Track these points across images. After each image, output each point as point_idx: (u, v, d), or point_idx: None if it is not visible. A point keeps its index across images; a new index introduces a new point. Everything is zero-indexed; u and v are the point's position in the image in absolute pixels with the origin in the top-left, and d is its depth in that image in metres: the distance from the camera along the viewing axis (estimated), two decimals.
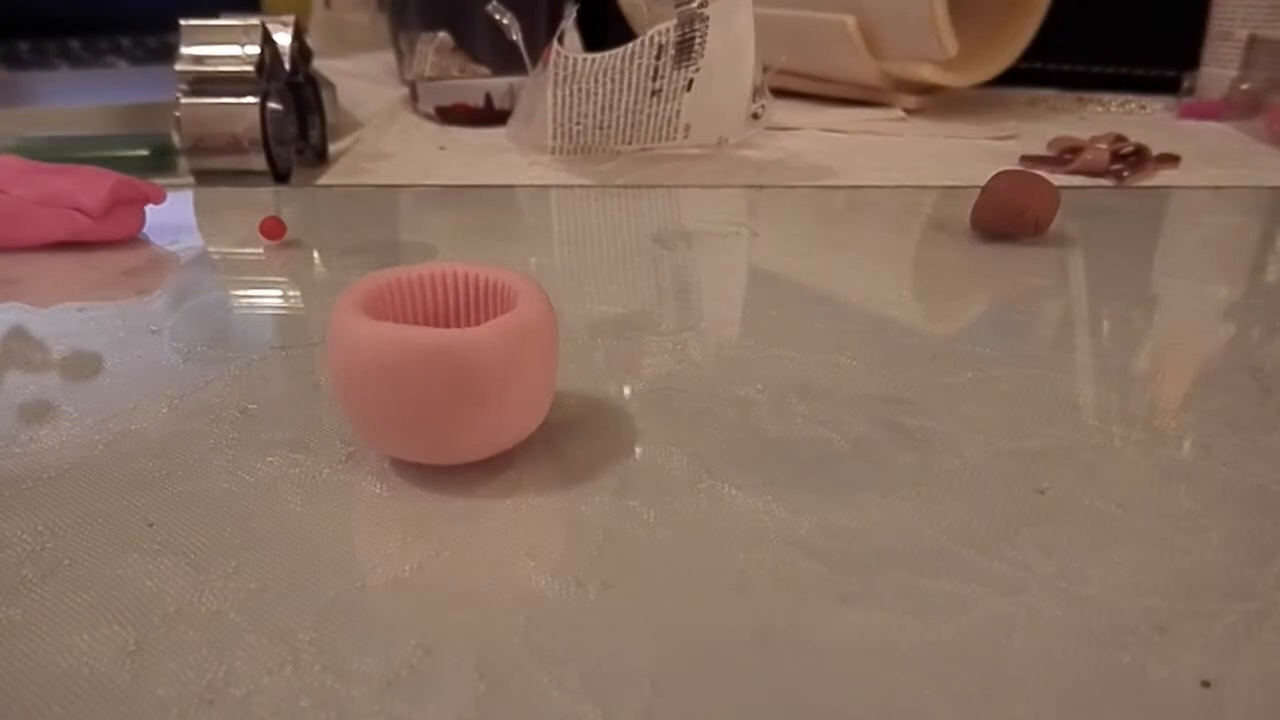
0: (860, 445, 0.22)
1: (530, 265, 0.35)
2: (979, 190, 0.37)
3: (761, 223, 0.41)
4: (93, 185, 0.35)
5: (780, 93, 0.66)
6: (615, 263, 0.36)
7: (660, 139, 0.51)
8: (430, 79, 0.64)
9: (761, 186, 0.47)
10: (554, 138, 0.50)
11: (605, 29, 0.77)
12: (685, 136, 0.51)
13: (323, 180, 0.48)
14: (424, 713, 0.15)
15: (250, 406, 0.24)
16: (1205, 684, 0.15)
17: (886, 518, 0.20)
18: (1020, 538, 0.19)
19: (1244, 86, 0.60)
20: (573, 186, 0.47)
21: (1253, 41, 0.60)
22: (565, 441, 0.22)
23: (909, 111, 0.64)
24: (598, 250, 0.37)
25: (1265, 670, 0.15)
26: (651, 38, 0.46)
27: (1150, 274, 0.34)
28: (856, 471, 0.21)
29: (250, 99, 0.44)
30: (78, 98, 0.60)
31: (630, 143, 0.51)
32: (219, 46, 0.44)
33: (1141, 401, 0.25)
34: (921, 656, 0.16)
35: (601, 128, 0.50)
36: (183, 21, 0.45)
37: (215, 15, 0.46)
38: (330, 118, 0.56)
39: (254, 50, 0.44)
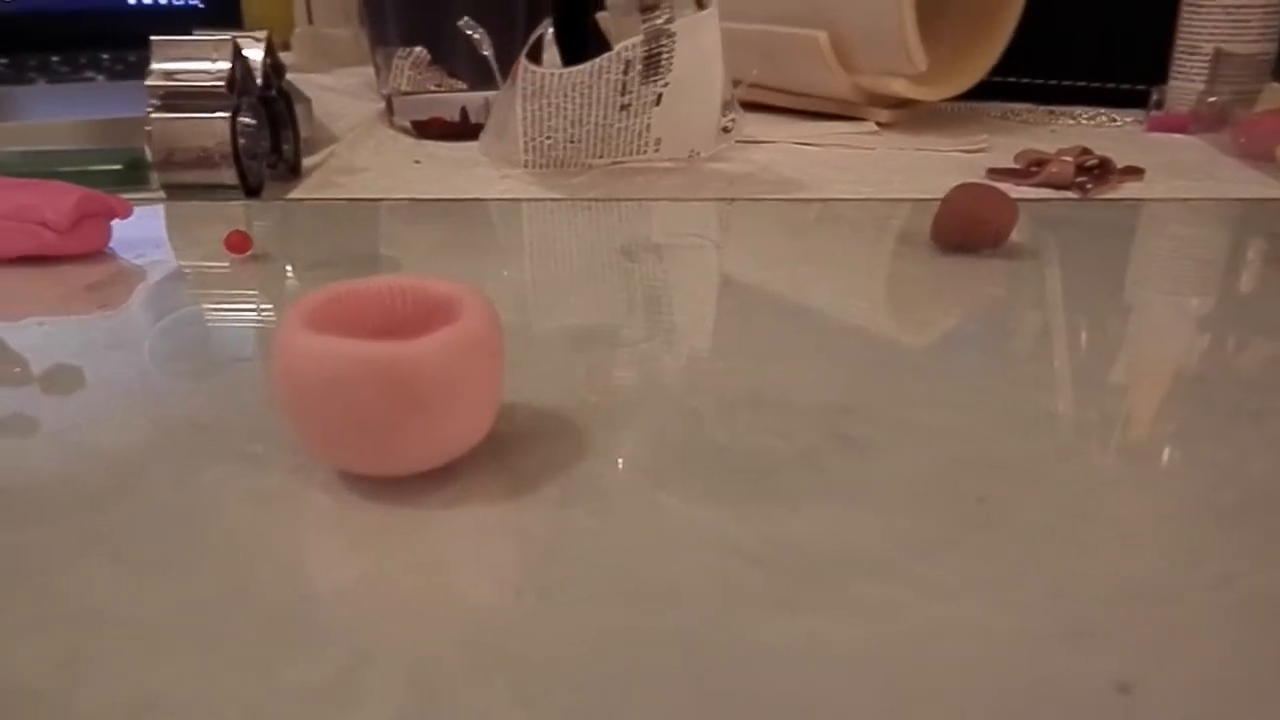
0: (807, 455, 0.23)
1: (502, 278, 0.35)
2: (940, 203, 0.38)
3: (730, 236, 0.41)
4: (58, 200, 0.35)
5: (754, 106, 0.67)
6: (582, 275, 0.36)
7: (631, 153, 0.51)
8: (406, 93, 0.65)
9: (732, 199, 0.47)
10: (525, 151, 0.51)
11: (584, 43, 0.77)
12: (656, 150, 0.51)
13: (294, 194, 0.48)
14: None
15: (203, 419, 0.24)
16: (1123, 687, 0.15)
17: (827, 526, 0.20)
18: (958, 545, 0.19)
19: (1210, 100, 0.61)
20: (544, 200, 0.47)
21: (1218, 55, 0.61)
22: (513, 452, 0.23)
23: (881, 125, 0.64)
24: (566, 263, 0.37)
25: (1183, 675, 0.16)
26: (619, 53, 0.47)
27: (1107, 286, 0.35)
28: (801, 480, 0.21)
29: (221, 113, 0.44)
30: (54, 113, 0.60)
31: (601, 156, 0.51)
32: (190, 62, 0.45)
33: (1089, 411, 0.25)
34: (851, 662, 0.16)
35: (572, 141, 0.50)
36: (153, 38, 0.45)
37: (190, 31, 0.46)
38: (305, 132, 0.56)
39: (224, 65, 0.45)
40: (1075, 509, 0.20)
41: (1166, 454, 0.23)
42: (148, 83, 0.45)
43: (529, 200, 0.47)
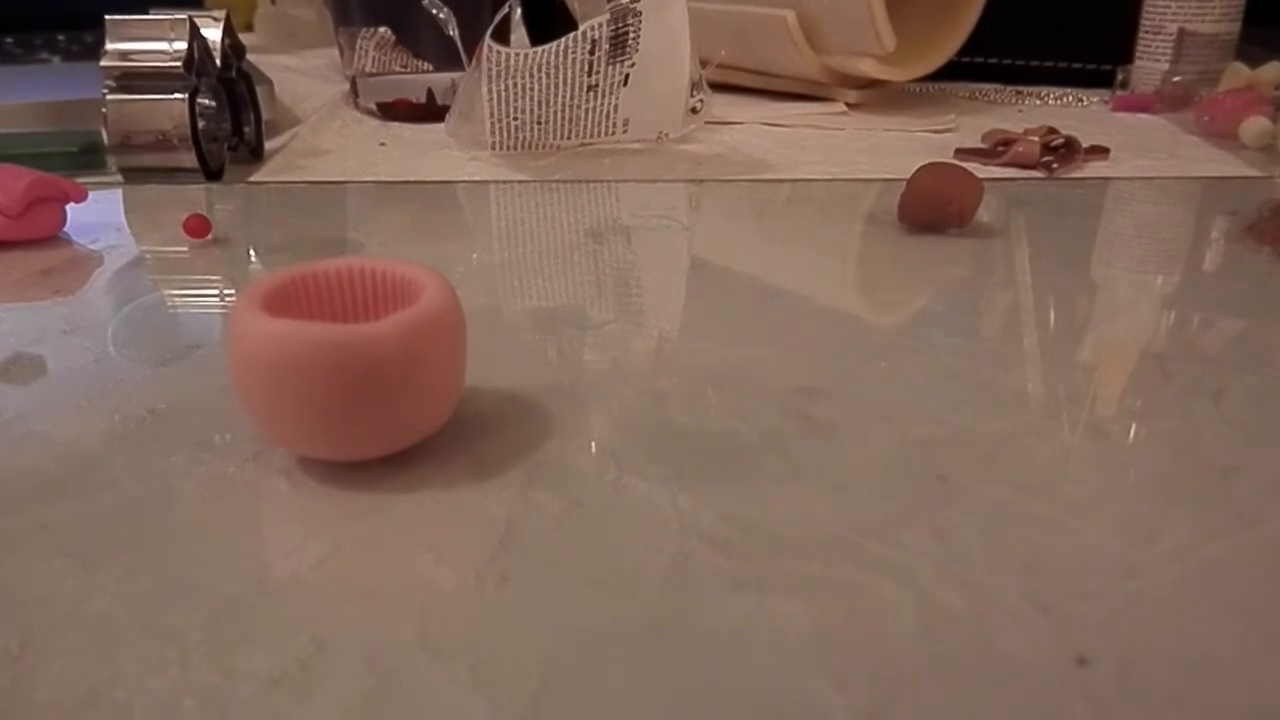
0: (769, 436, 0.23)
1: (469, 261, 0.35)
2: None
3: (699, 217, 0.41)
4: (9, 183, 0.35)
5: (723, 87, 0.66)
6: (550, 257, 0.35)
7: (599, 134, 0.51)
8: (371, 74, 0.64)
9: (700, 180, 0.47)
10: (492, 133, 0.50)
11: (553, 23, 0.76)
12: (624, 131, 0.51)
13: (257, 177, 0.47)
14: (310, 709, 0.15)
15: (160, 406, 0.24)
16: (1081, 661, 0.16)
17: (787, 507, 0.20)
18: (917, 524, 0.19)
19: (1175, 79, 0.62)
20: (511, 182, 0.47)
21: (1182, 35, 0.61)
22: (477, 435, 0.22)
23: (850, 106, 0.64)
24: (534, 245, 0.37)
25: (1139, 647, 0.16)
26: (585, 33, 0.46)
27: (1073, 264, 0.35)
28: (763, 462, 0.21)
29: (179, 95, 0.43)
30: (7, 95, 0.58)
31: (569, 138, 0.51)
32: (146, 42, 0.44)
33: (1051, 389, 0.25)
34: (808, 642, 0.16)
35: (539, 123, 0.50)
36: (108, 17, 0.44)
37: (148, 11, 0.45)
38: (267, 114, 0.55)
39: (182, 45, 0.44)
40: (1034, 485, 0.21)
41: (1127, 431, 0.23)
42: (103, 63, 0.44)
43: (496, 182, 0.47)
